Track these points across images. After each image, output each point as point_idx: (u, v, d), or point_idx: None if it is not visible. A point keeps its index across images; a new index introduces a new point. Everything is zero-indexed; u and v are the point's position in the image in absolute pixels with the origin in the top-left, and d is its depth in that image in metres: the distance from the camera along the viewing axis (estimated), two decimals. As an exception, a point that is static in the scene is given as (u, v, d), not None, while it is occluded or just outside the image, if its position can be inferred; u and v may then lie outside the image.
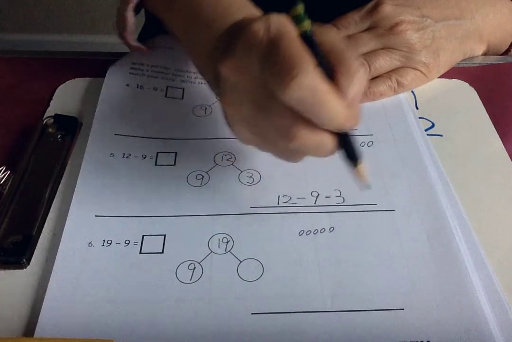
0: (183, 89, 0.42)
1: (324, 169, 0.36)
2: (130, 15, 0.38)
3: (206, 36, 0.34)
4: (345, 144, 0.28)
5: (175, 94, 0.42)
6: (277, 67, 0.25)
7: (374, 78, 0.40)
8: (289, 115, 0.26)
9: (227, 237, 0.32)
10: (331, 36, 0.27)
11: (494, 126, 0.39)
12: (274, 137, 0.28)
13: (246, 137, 0.31)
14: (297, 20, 0.26)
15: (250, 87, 0.27)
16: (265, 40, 0.26)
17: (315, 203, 0.34)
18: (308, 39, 0.26)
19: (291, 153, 0.29)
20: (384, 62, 0.40)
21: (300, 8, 0.26)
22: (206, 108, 0.41)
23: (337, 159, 0.37)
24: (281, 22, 0.26)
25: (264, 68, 0.26)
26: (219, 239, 0.32)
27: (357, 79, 0.26)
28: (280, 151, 0.30)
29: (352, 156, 0.28)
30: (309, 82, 0.24)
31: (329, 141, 0.27)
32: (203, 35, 0.34)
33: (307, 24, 0.26)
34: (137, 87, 0.42)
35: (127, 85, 0.42)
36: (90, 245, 0.31)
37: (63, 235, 0.32)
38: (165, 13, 0.39)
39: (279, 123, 0.27)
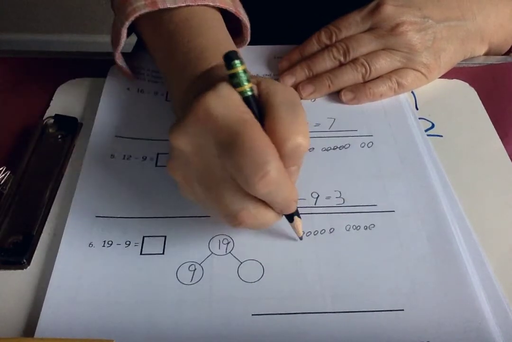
0: None
1: (324, 170, 0.36)
2: (124, 32, 0.35)
3: (179, 81, 0.33)
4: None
5: None
6: (243, 160, 0.24)
7: (374, 79, 0.40)
8: (239, 201, 0.26)
9: (228, 238, 0.32)
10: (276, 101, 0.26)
11: (494, 127, 0.39)
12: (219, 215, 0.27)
13: (190, 199, 0.30)
14: (236, 78, 0.25)
15: (201, 166, 0.26)
16: (223, 127, 0.24)
17: (315, 204, 0.34)
18: (247, 99, 0.26)
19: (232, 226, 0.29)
20: (384, 63, 0.40)
21: (238, 66, 0.25)
22: None
23: (337, 160, 0.37)
24: (234, 103, 0.25)
25: (225, 156, 0.24)
26: (219, 240, 0.32)
27: (298, 159, 0.26)
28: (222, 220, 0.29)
29: (289, 215, 0.30)
30: (276, 176, 0.24)
31: (273, 218, 0.28)
32: (177, 79, 0.34)
33: (247, 84, 0.25)
34: (138, 91, 0.42)
35: (128, 89, 0.42)
36: (90, 245, 0.31)
37: (63, 235, 0.32)
38: (149, 45, 0.38)
39: (227, 207, 0.26)
